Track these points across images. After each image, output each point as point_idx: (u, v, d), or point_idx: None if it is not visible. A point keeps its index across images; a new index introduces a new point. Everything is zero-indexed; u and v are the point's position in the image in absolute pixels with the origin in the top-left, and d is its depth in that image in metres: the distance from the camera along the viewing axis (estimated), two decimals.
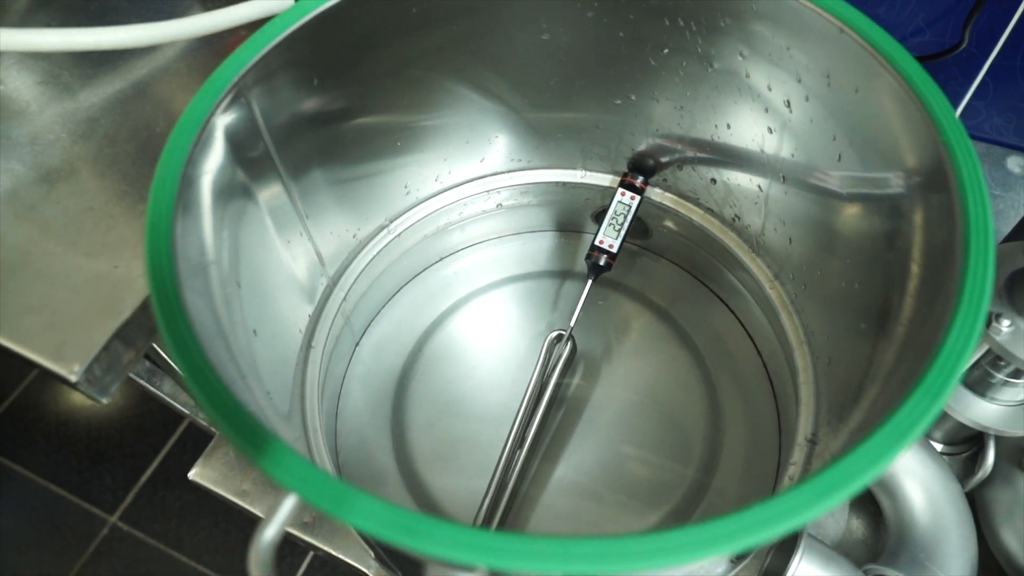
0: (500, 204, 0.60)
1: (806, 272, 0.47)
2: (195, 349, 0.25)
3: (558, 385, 0.52)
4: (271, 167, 0.40)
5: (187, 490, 1.28)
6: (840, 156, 0.39)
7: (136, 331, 0.37)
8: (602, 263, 0.54)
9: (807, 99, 0.41)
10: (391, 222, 0.54)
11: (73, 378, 0.33)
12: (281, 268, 0.44)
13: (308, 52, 0.38)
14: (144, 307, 0.37)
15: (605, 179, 0.57)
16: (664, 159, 0.54)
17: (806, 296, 0.48)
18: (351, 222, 0.51)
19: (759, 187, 0.49)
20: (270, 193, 0.41)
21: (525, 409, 0.50)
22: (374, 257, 0.53)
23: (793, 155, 0.44)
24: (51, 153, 0.44)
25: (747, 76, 0.43)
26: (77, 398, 1.45)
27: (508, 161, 0.56)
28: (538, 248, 0.63)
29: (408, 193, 0.54)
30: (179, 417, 1.40)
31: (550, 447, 0.52)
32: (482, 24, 0.45)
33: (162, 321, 0.26)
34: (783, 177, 0.46)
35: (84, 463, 1.35)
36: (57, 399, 1.44)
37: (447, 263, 0.62)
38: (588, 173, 0.58)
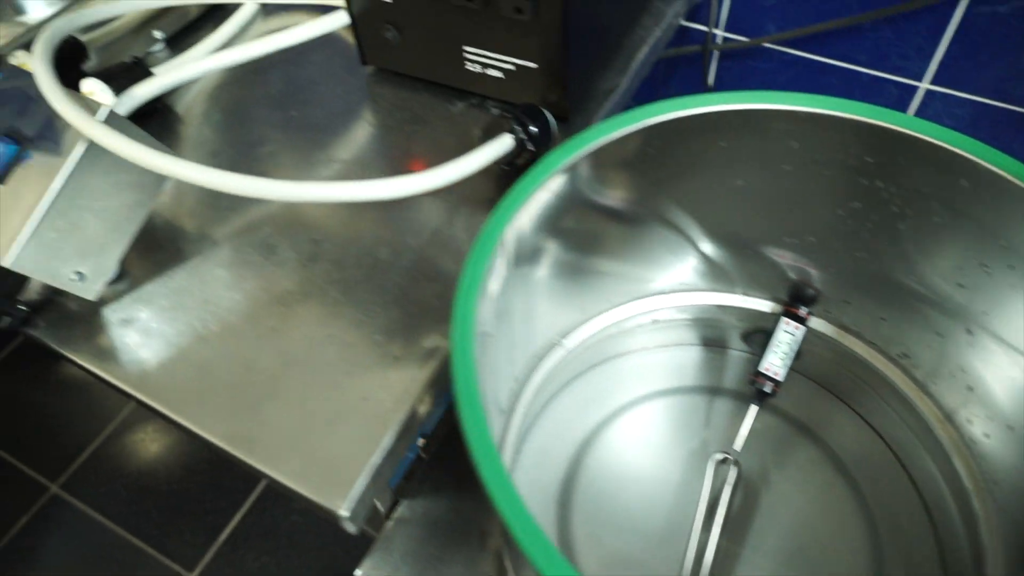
0: (655, 320, 0.62)
1: (995, 419, 0.48)
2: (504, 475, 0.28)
3: (726, 508, 0.54)
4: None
5: (265, 551, 1.29)
6: None
7: (388, 464, 0.39)
8: (768, 390, 0.56)
9: (1011, 268, 0.42)
10: (563, 338, 0.57)
11: (345, 514, 0.36)
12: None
13: (559, 206, 0.41)
14: (399, 438, 0.39)
15: (765, 305, 0.59)
16: (831, 295, 0.56)
17: (994, 442, 0.49)
18: (531, 340, 0.54)
19: (938, 333, 0.50)
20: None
21: (698, 533, 0.51)
22: (550, 370, 0.56)
23: (986, 312, 0.46)
24: (283, 274, 0.47)
25: (936, 237, 0.45)
26: (157, 448, 1.49)
27: (674, 284, 0.59)
28: (685, 361, 0.65)
29: (583, 311, 0.57)
30: (258, 476, 1.42)
31: (718, 573, 0.53)
32: (689, 167, 0.48)
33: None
34: (968, 330, 0.48)
35: (164, 516, 1.37)
36: (138, 449, 1.48)
37: (597, 372, 0.64)
38: (748, 298, 0.60)
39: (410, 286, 0.46)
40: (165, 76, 0.53)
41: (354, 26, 0.58)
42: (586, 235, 0.51)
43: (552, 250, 0.49)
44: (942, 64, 0.68)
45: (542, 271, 0.50)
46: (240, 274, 0.46)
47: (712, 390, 0.64)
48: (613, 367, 0.65)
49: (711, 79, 0.79)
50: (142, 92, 0.53)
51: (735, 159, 0.48)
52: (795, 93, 0.44)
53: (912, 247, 0.48)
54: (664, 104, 0.44)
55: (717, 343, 0.66)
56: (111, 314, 0.45)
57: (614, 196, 0.49)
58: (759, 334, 0.62)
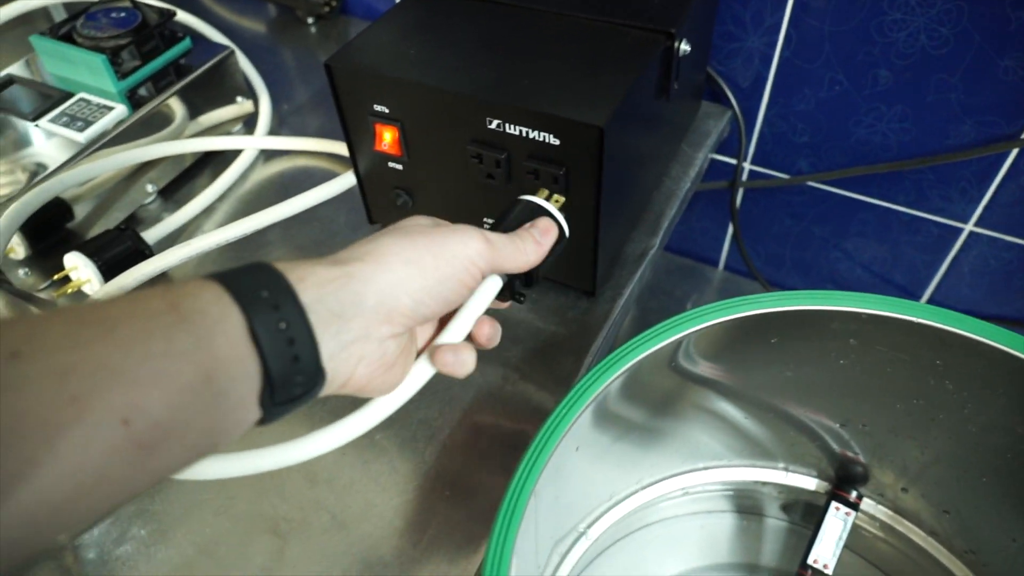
0: (686, 491, 0.57)
1: None
2: None
3: None
4: None
5: None
6: None
7: None
8: None
9: None
10: (588, 528, 0.51)
11: None
12: None
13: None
14: None
15: (810, 482, 0.54)
16: (885, 480, 0.50)
17: None
18: (557, 528, 0.48)
19: (1014, 539, 0.45)
20: None
21: None
22: (574, 562, 0.50)
23: None
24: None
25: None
26: None
27: (709, 461, 0.54)
28: (718, 532, 0.59)
29: (611, 497, 0.51)
30: None
31: None
32: (736, 364, 0.44)
33: None
34: None
35: None
36: None
37: (623, 547, 0.58)
38: (790, 474, 0.54)
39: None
40: (160, 260, 0.48)
41: (362, 188, 0.54)
42: (619, 422, 0.46)
43: (584, 442, 0.44)
44: (988, 207, 0.64)
45: (571, 461, 0.45)
46: None
47: (750, 568, 0.58)
48: (640, 540, 0.59)
49: (738, 207, 0.76)
50: (130, 280, 0.47)
51: (787, 353, 0.43)
52: (858, 294, 0.39)
53: (985, 450, 0.43)
54: (716, 308, 0.39)
55: (754, 511, 0.60)
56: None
57: (650, 399, 0.45)
58: (801, 504, 0.57)
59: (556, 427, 0.36)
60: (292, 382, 0.25)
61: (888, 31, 0.57)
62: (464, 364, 0.31)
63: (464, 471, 0.42)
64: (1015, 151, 0.59)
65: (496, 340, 0.34)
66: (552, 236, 0.35)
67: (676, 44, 0.47)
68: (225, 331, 0.23)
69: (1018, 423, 0.40)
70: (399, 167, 0.50)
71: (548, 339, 0.49)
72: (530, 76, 0.44)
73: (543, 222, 0.35)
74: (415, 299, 0.29)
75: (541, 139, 0.43)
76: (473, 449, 0.43)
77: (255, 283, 0.24)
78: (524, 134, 0.43)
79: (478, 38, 0.49)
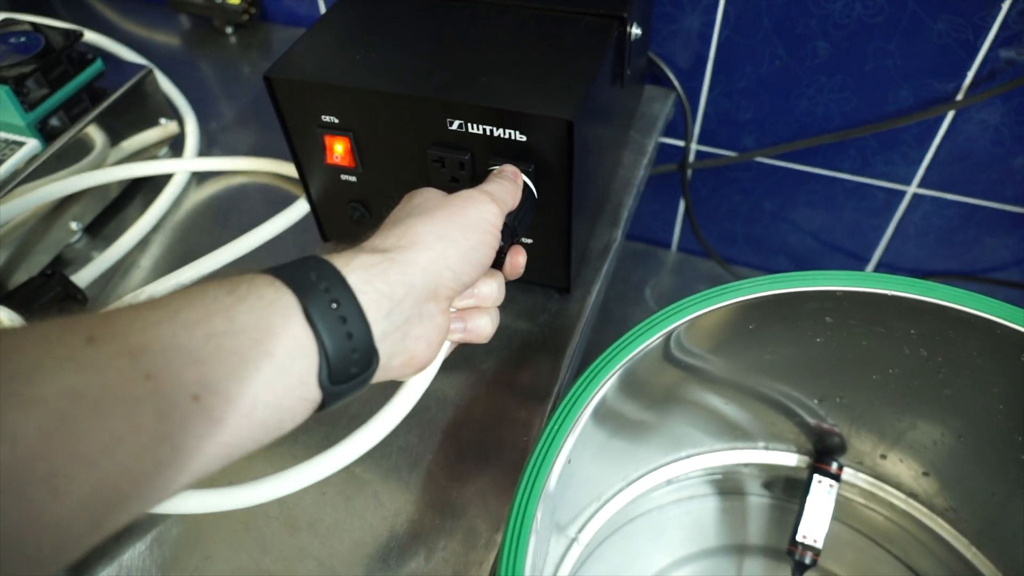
0: (669, 480, 0.56)
1: None
2: None
3: None
4: None
5: None
6: None
7: None
8: (808, 561, 0.50)
9: None
10: (579, 533, 0.50)
11: None
12: None
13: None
14: None
15: (790, 457, 0.54)
16: (864, 449, 0.51)
17: None
18: (552, 539, 0.47)
19: (993, 494, 0.46)
20: None
21: None
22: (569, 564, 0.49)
23: None
24: None
25: (991, 407, 0.41)
26: None
27: (690, 449, 0.53)
28: (704, 516, 0.59)
29: (600, 497, 0.50)
30: None
31: None
32: (714, 352, 0.43)
33: None
34: None
35: None
36: None
37: (610, 545, 0.58)
38: (770, 451, 0.54)
39: None
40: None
41: (313, 206, 0.51)
42: (606, 427, 0.45)
43: (575, 453, 0.43)
44: (929, 168, 0.65)
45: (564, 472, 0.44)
46: None
47: (739, 549, 0.58)
48: (627, 535, 0.58)
49: (686, 188, 0.75)
50: None
51: (763, 337, 0.43)
52: (832, 272, 0.39)
53: (962, 412, 0.44)
54: (695, 300, 0.38)
55: (736, 490, 0.60)
56: None
57: (635, 399, 0.44)
58: (781, 480, 0.57)
59: (551, 444, 0.34)
60: (348, 360, 0.26)
61: (824, 2, 0.57)
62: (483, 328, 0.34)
63: (452, 495, 0.40)
64: (952, 112, 0.60)
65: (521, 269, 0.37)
66: (518, 172, 0.39)
67: (628, 29, 0.46)
68: (281, 310, 0.24)
69: (993, 383, 0.41)
70: (353, 179, 0.48)
71: (522, 345, 0.47)
72: (487, 72, 0.42)
73: (506, 166, 0.39)
74: (456, 271, 0.31)
75: (506, 136, 0.41)
76: (458, 471, 0.41)
77: (305, 269, 0.26)
78: (488, 132, 0.41)
79: (426, 36, 0.46)
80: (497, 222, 0.33)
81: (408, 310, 0.28)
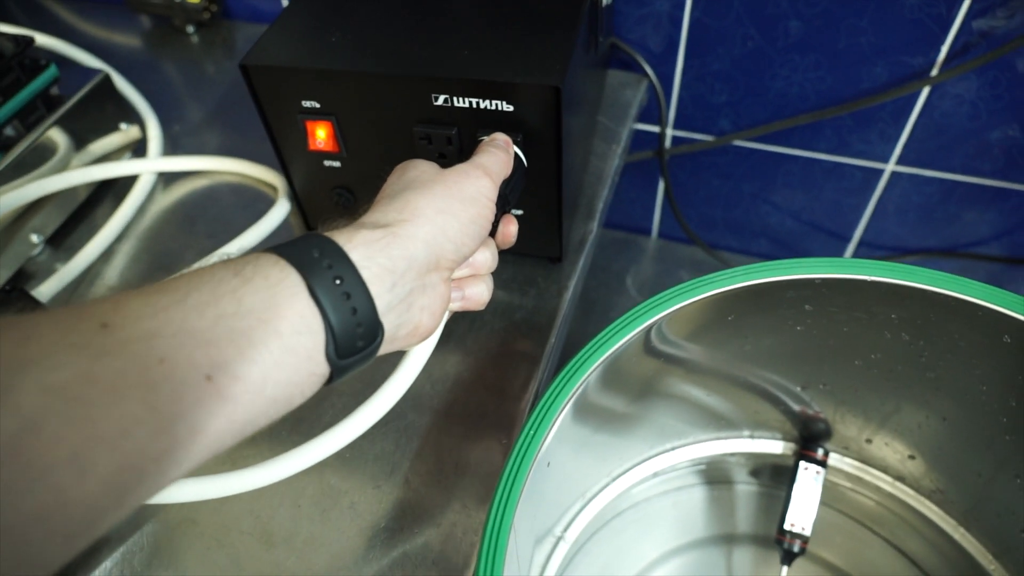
0: (656, 472, 0.56)
1: None
2: None
3: None
4: None
5: None
6: None
7: None
8: (796, 550, 0.50)
9: None
10: (565, 531, 0.50)
11: None
12: None
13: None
14: None
15: (775, 445, 0.54)
16: (849, 434, 0.50)
17: None
18: (536, 539, 0.46)
19: (979, 474, 0.45)
20: None
21: None
22: (556, 562, 0.48)
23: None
24: None
25: (975, 387, 0.40)
26: None
27: (676, 442, 0.53)
28: (691, 507, 0.58)
29: (584, 494, 0.50)
30: None
31: None
32: (694, 342, 0.42)
33: None
34: (1018, 475, 0.43)
35: None
36: None
37: (599, 540, 0.57)
38: (755, 440, 0.54)
39: None
40: None
41: (295, 195, 0.51)
42: (587, 424, 0.44)
43: (554, 456, 0.42)
44: (906, 146, 0.64)
45: (544, 474, 0.43)
46: None
47: (728, 539, 0.57)
48: (615, 529, 0.57)
49: (666, 174, 0.74)
50: None
51: (744, 327, 0.42)
52: (810, 260, 0.38)
53: (946, 394, 0.43)
54: (674, 293, 0.37)
55: (722, 479, 0.60)
56: None
57: (617, 393, 0.43)
58: (768, 467, 0.56)
59: (528, 446, 0.33)
60: (354, 334, 0.27)
61: None
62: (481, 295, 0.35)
63: (431, 503, 0.39)
64: (927, 88, 0.60)
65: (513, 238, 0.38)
66: (509, 141, 0.39)
67: None
68: (286, 289, 0.25)
69: (975, 365, 0.40)
70: (337, 164, 0.47)
71: (497, 347, 0.46)
72: (468, 45, 0.42)
73: (497, 135, 0.39)
74: (456, 243, 0.32)
75: (493, 107, 0.40)
76: (436, 477, 0.40)
77: (307, 247, 0.27)
78: (474, 105, 0.41)
79: (400, 14, 0.45)
80: (492, 195, 0.34)
81: (411, 282, 0.29)
